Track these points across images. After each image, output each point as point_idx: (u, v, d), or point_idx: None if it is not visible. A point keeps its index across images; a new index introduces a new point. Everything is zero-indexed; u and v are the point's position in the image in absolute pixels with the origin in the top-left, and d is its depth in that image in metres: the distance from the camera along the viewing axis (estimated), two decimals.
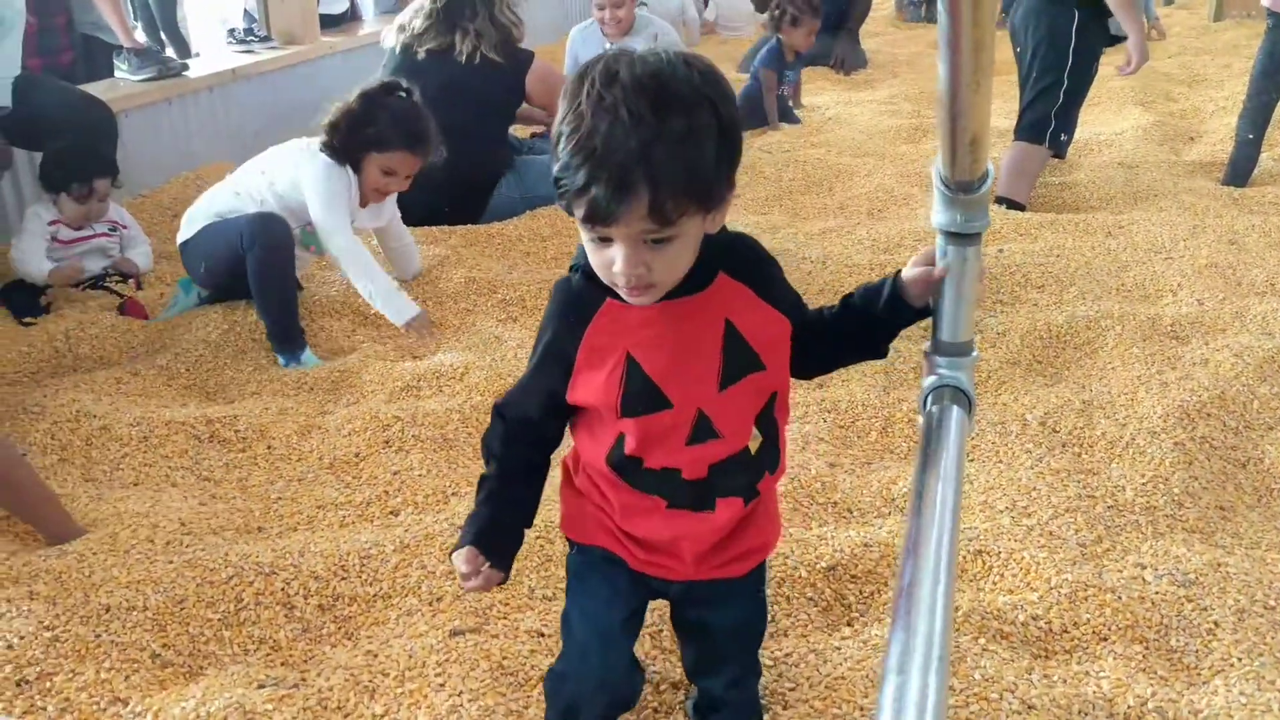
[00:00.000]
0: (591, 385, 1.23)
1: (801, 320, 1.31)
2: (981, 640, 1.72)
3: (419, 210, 3.71)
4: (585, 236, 1.13)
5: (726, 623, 1.43)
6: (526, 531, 1.34)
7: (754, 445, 1.29)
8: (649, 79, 1.06)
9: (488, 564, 1.27)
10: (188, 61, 4.49)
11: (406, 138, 2.94)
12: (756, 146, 4.87)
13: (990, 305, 3.10)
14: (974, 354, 1.34)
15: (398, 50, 3.91)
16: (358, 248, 2.95)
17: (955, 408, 1.30)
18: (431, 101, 3.72)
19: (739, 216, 3.92)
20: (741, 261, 1.25)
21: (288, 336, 2.90)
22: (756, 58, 5.33)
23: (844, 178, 4.37)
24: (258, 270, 2.88)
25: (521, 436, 1.31)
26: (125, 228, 3.37)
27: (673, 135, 1.04)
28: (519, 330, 2.99)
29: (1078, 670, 1.66)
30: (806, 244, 3.56)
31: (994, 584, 1.90)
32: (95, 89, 3.80)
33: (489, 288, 3.27)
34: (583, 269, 1.22)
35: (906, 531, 1.07)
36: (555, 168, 1.08)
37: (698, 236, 1.15)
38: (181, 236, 3.07)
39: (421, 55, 3.82)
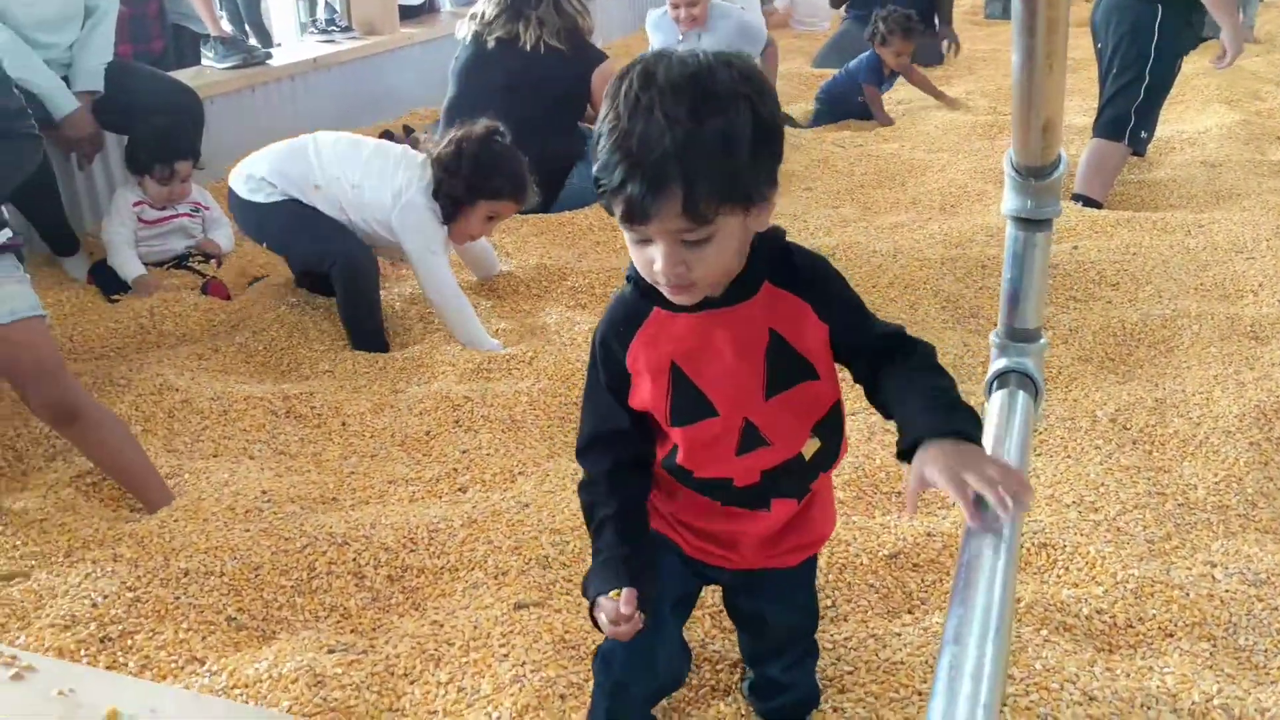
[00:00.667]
0: (644, 393, 1.25)
1: (854, 342, 1.24)
2: (1044, 631, 1.71)
3: None
4: (627, 237, 1.13)
5: (780, 611, 1.46)
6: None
7: (809, 450, 1.28)
8: (686, 80, 1.06)
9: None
10: (270, 51, 4.59)
11: (518, 190, 2.93)
12: (829, 140, 4.86)
13: (1063, 302, 3.06)
14: (1042, 341, 1.34)
15: (468, 40, 3.97)
16: (459, 299, 2.92)
17: (1021, 393, 1.30)
18: (500, 91, 3.80)
19: (809, 210, 3.92)
20: (791, 271, 1.22)
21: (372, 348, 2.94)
22: (860, 71, 5.31)
23: (917, 173, 4.33)
24: (345, 299, 2.93)
25: (617, 451, 1.29)
26: (207, 209, 3.47)
27: (708, 134, 1.04)
28: (588, 317, 3.02)
29: (1141, 665, 1.65)
30: (877, 237, 3.55)
31: (1058, 577, 1.89)
32: (183, 76, 3.90)
33: (559, 275, 3.31)
34: (634, 279, 1.23)
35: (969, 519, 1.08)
36: (595, 167, 1.09)
37: (739, 236, 1.14)
38: (249, 193, 2.97)
39: (491, 44, 3.88)
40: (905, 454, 1.12)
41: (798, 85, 6.00)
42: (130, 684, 1.39)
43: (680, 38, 5.24)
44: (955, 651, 0.87)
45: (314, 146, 2.99)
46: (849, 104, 5.30)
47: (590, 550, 1.30)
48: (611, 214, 1.11)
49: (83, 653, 1.72)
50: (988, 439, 1.21)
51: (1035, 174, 1.22)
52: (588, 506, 1.30)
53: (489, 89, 3.83)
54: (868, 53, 5.33)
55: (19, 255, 2.08)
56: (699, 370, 1.22)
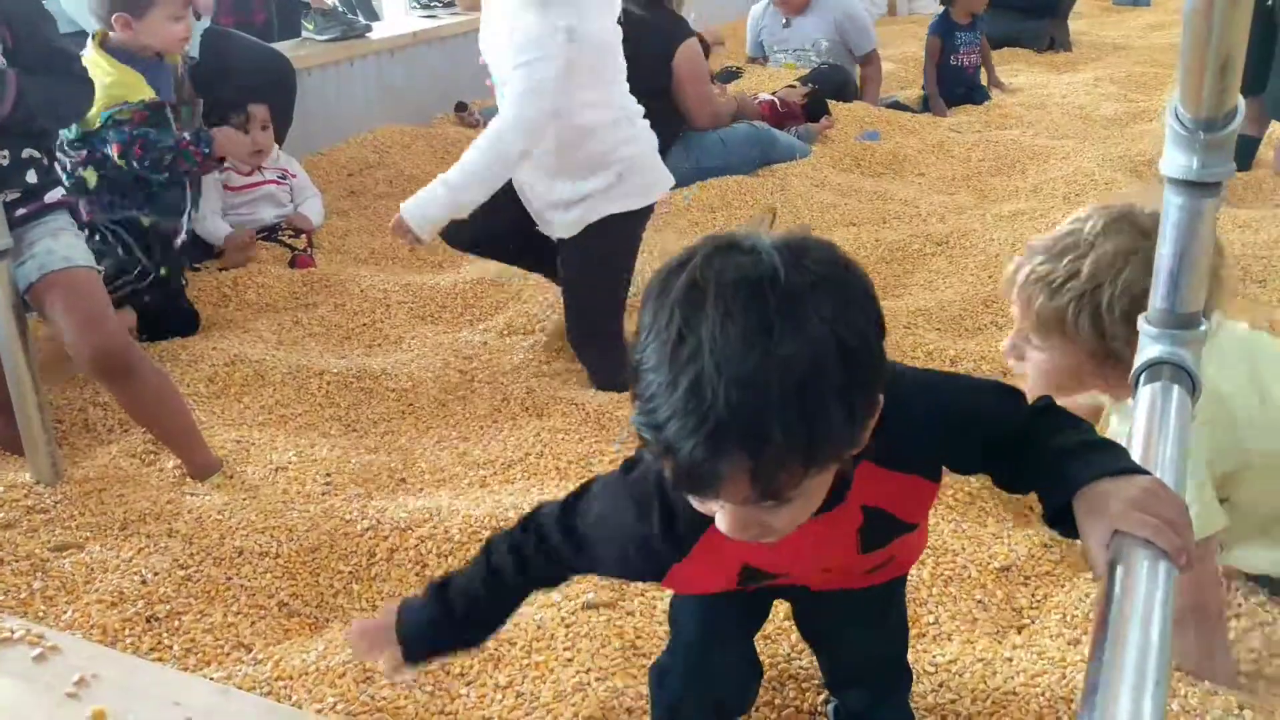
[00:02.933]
0: (694, 580, 1.08)
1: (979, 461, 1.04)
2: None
3: None
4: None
5: (858, 634, 1.27)
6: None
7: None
8: (742, 299, 0.79)
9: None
10: (371, 24, 4.52)
11: None
12: (946, 125, 4.61)
13: None
14: (1202, 327, 1.13)
15: None
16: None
17: (1176, 387, 1.09)
18: None
19: (922, 196, 3.69)
20: (898, 443, 0.95)
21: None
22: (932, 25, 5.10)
23: (1039, 160, 4.06)
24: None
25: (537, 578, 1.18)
26: (294, 176, 3.39)
27: (771, 383, 0.77)
28: None
29: None
30: (994, 225, 3.31)
31: None
32: (282, 47, 3.85)
33: (659, 257, 3.16)
34: (663, 511, 1.01)
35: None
36: (634, 410, 0.84)
37: (830, 480, 0.90)
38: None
39: None
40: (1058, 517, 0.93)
41: (913, 70, 5.74)
42: (158, 673, 1.27)
43: (785, 23, 5.05)
44: (1101, 703, 0.69)
45: None
46: (951, 88, 5.01)
47: None
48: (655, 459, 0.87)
49: (127, 633, 1.64)
50: (1136, 440, 1.02)
51: (1207, 126, 1.01)
52: (483, 581, 1.17)
53: None
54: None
55: (73, 213, 2.07)
56: (778, 564, 1.06)
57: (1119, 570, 0.82)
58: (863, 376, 0.82)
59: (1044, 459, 0.95)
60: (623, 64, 2.44)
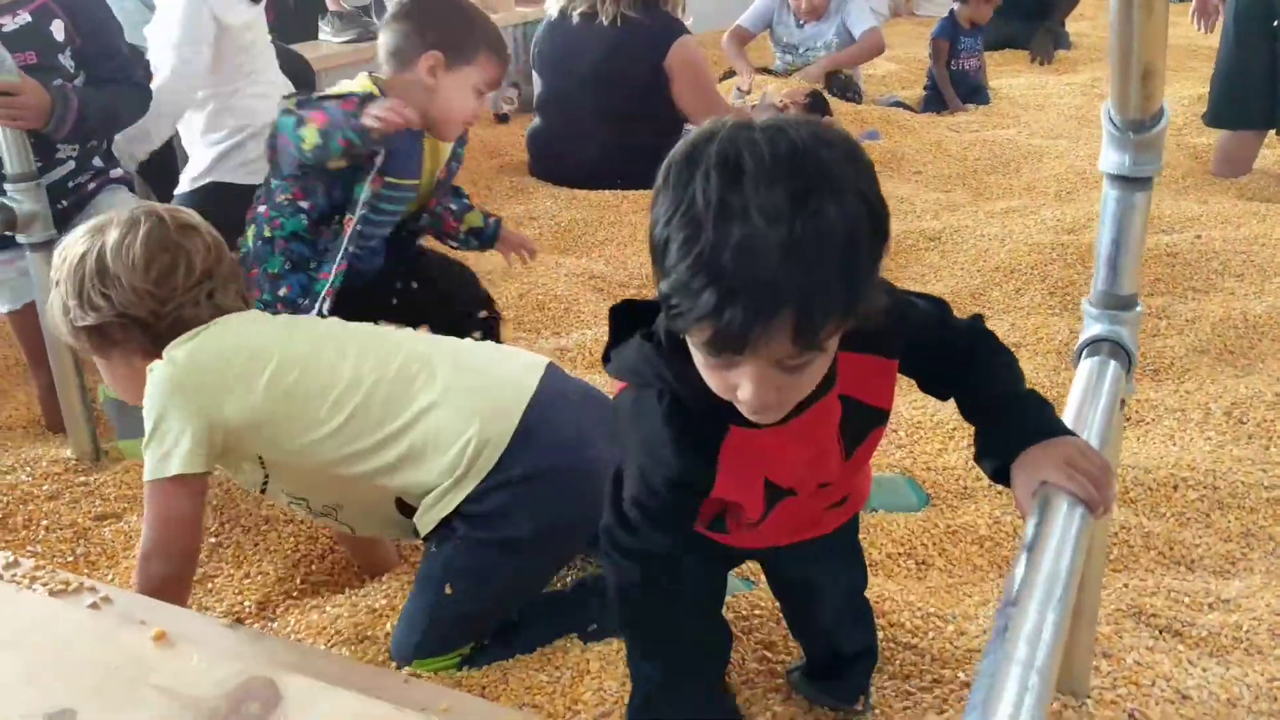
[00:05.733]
0: (730, 493, 1.13)
1: (927, 361, 1.14)
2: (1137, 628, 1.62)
3: (592, 183, 3.78)
4: (699, 358, 0.95)
5: (829, 574, 1.38)
6: None
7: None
8: (783, 165, 0.85)
9: None
10: None
11: None
12: (944, 125, 4.73)
13: (1181, 291, 2.91)
14: (1137, 309, 1.26)
15: (555, 15, 3.96)
16: None
17: (1113, 362, 1.22)
18: (588, 85, 3.77)
19: (917, 193, 3.81)
20: (869, 334, 1.02)
21: None
22: (937, 29, 5.22)
23: (1033, 159, 4.18)
24: None
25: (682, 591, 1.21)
26: None
27: (821, 240, 0.84)
28: None
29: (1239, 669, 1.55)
30: (986, 222, 3.43)
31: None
32: (300, 49, 3.98)
33: None
34: (672, 391, 1.04)
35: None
36: (664, 284, 0.88)
37: (831, 356, 0.99)
38: None
39: (575, 20, 3.85)
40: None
41: (915, 70, 5.86)
42: (204, 621, 1.41)
43: (800, 23, 5.17)
44: (1012, 613, 0.82)
45: None
46: (954, 90, 5.14)
47: None
48: (683, 335, 0.93)
49: None
50: (1071, 408, 1.14)
51: (1135, 127, 1.14)
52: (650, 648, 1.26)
53: (576, 84, 3.82)
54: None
55: (131, 188, 2.36)
56: (788, 476, 1.14)
57: (1042, 512, 0.96)
58: (883, 239, 0.91)
59: (983, 402, 1.10)
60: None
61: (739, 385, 0.93)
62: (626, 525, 1.16)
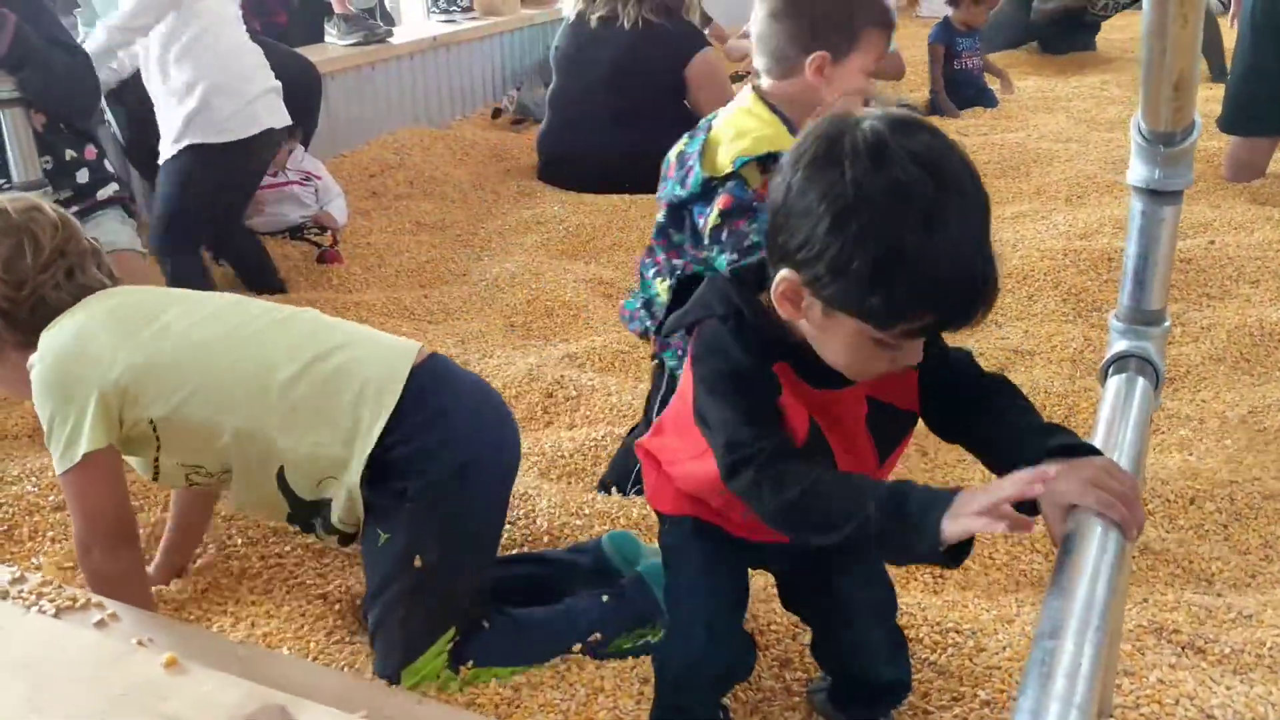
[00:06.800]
0: (788, 403, 1.13)
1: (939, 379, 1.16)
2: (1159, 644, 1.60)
3: (601, 185, 3.77)
4: (861, 339, 1.03)
5: (851, 587, 1.35)
6: None
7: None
8: (972, 183, 1.00)
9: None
10: (392, 29, 4.64)
11: None
12: (952, 129, 4.70)
13: (1195, 298, 2.89)
14: (1165, 324, 1.24)
15: (573, 18, 3.95)
16: None
17: (1141, 379, 1.20)
18: (603, 84, 3.76)
19: None
20: None
21: None
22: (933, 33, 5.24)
23: (1043, 163, 4.15)
24: None
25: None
26: (319, 178, 3.52)
27: (988, 229, 1.00)
28: None
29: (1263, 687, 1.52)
30: (998, 228, 3.40)
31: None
32: (306, 52, 3.97)
33: None
34: (740, 313, 1.12)
35: None
36: (873, 297, 0.98)
37: None
38: None
39: (594, 23, 3.84)
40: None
41: (921, 72, 5.83)
42: (211, 638, 1.39)
43: None
44: (1050, 647, 0.79)
45: None
46: (961, 90, 5.12)
47: None
48: (870, 323, 1.01)
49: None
50: (1100, 426, 1.12)
51: (1165, 140, 1.12)
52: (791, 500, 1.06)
53: (591, 81, 3.82)
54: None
55: (126, 208, 2.29)
56: (829, 435, 1.15)
57: (1074, 539, 0.93)
58: None
59: (1004, 431, 1.08)
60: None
61: (899, 357, 1.05)
62: (736, 450, 1.09)
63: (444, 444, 1.47)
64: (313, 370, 1.46)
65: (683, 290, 1.22)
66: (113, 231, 2.25)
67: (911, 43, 6.54)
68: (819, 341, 1.08)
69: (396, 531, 1.47)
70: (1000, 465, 1.07)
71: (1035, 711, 0.73)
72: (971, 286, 0.98)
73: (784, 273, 1.04)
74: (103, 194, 2.30)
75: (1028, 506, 0.98)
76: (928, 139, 0.99)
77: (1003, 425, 1.10)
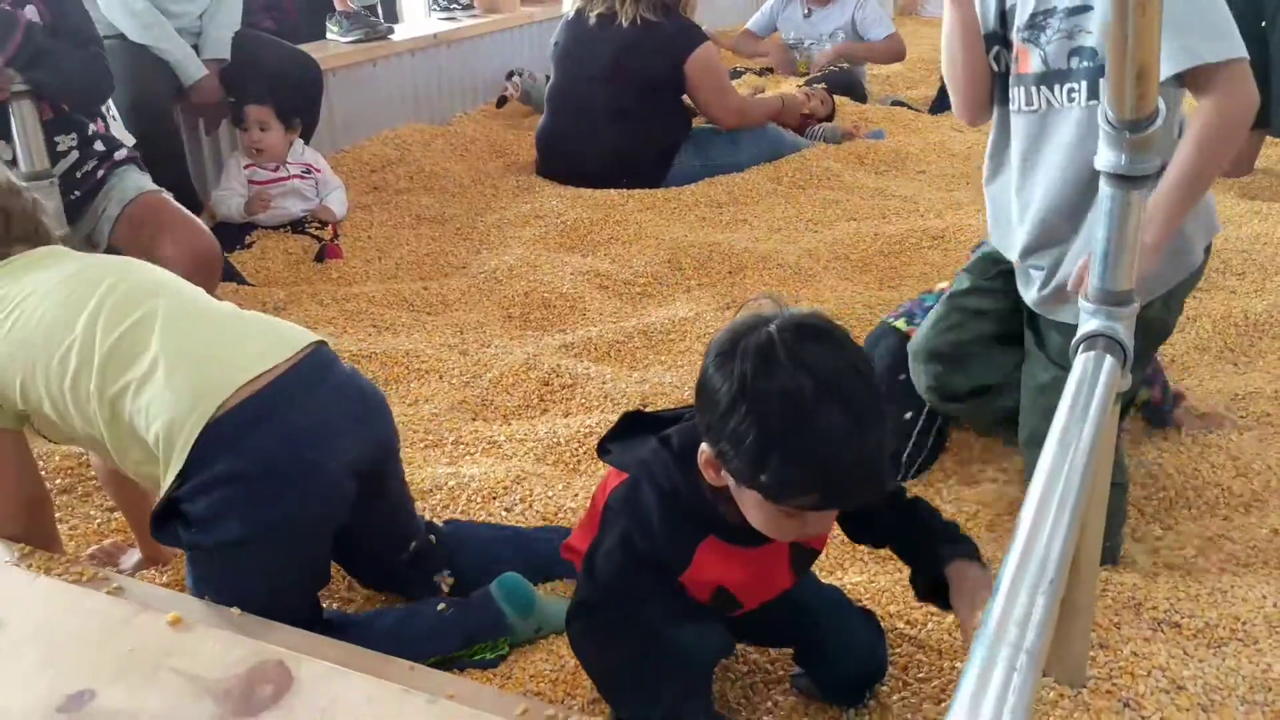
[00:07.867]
0: (693, 580, 1.29)
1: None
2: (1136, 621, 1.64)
3: (599, 181, 3.81)
4: (769, 508, 1.14)
5: (807, 589, 1.46)
6: None
7: None
8: (852, 389, 1.08)
9: None
10: (393, 26, 4.69)
11: None
12: (948, 125, 4.75)
13: None
14: (1134, 304, 1.28)
15: (571, 15, 4.00)
16: None
17: (1108, 357, 1.24)
18: (600, 81, 3.81)
19: (921, 192, 3.84)
20: None
21: None
22: None
23: None
24: None
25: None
26: (319, 171, 3.57)
27: (882, 453, 1.11)
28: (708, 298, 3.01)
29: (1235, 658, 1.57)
30: None
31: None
32: (308, 48, 4.01)
33: (669, 247, 3.31)
34: (676, 491, 1.24)
35: (1038, 470, 1.05)
36: (762, 475, 1.09)
37: None
38: None
39: (592, 20, 3.89)
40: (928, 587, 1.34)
41: (921, 70, 5.88)
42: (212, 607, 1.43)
43: (806, 13, 5.19)
44: (1003, 598, 0.84)
45: None
46: None
47: None
48: (762, 494, 1.12)
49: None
50: (1064, 402, 1.17)
51: (1130, 127, 1.16)
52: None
53: (589, 78, 3.86)
54: None
55: (138, 164, 2.62)
56: (741, 591, 1.31)
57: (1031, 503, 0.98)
58: None
59: (920, 540, 1.36)
60: None
61: (808, 526, 1.16)
62: (599, 606, 1.28)
63: (222, 515, 1.35)
64: (118, 405, 1.39)
65: (629, 423, 1.37)
66: (135, 180, 2.57)
67: (914, 41, 6.58)
68: (741, 505, 1.19)
69: (192, 565, 1.44)
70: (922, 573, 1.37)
71: (985, 656, 0.78)
72: (849, 478, 1.09)
73: (703, 445, 1.17)
74: (119, 155, 2.58)
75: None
76: (818, 349, 1.09)
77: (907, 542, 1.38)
